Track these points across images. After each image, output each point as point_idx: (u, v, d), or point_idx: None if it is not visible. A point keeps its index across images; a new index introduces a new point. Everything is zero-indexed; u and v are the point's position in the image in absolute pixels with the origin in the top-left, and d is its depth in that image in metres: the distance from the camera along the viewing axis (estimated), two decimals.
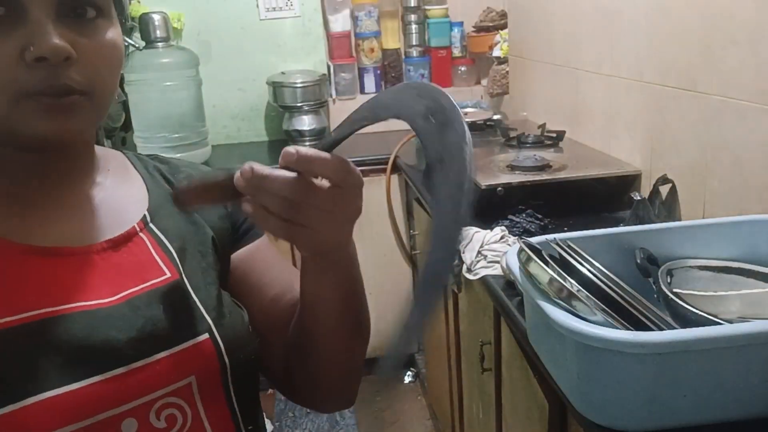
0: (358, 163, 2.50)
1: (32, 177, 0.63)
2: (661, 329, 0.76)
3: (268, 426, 2.43)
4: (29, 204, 0.63)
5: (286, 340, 0.75)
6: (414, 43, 2.94)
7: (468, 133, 0.47)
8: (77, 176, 0.66)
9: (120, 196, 0.68)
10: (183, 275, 0.66)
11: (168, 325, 0.62)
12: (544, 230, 1.41)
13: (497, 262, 1.26)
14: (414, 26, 2.91)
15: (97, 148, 0.71)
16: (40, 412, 0.54)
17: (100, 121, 0.63)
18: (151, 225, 0.68)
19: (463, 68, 2.96)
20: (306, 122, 2.72)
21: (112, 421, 0.58)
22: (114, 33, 0.62)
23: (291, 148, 0.55)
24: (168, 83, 2.45)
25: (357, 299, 0.71)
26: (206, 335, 0.64)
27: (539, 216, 1.46)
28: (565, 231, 1.28)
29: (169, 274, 0.66)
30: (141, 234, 0.67)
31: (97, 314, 0.60)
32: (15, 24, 0.55)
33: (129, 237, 0.66)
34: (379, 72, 2.93)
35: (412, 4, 2.87)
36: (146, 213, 0.69)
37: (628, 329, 0.74)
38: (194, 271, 0.68)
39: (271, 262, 0.78)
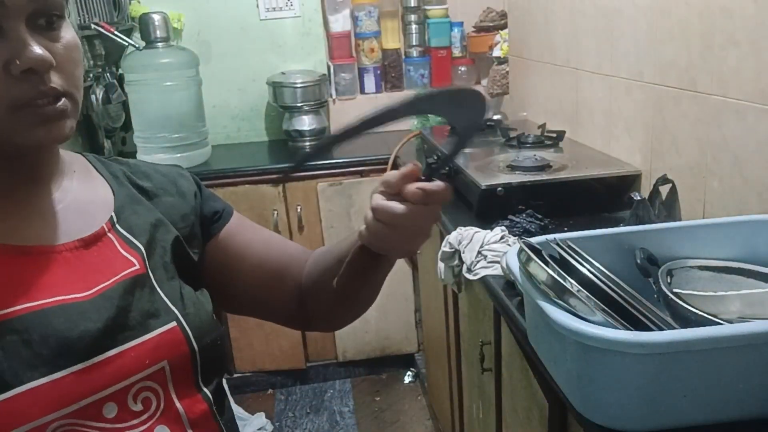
0: (358, 163, 2.52)
1: (2, 181, 0.65)
2: (661, 329, 0.76)
3: (269, 426, 2.44)
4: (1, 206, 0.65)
5: (301, 288, 0.86)
6: (414, 43, 2.94)
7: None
8: (46, 178, 0.69)
9: (86, 197, 0.72)
10: (148, 269, 0.71)
11: (139, 315, 0.67)
12: (544, 230, 1.41)
13: (497, 262, 1.26)
14: (414, 26, 2.91)
15: (61, 152, 0.74)
16: (26, 401, 0.58)
17: (78, 116, 0.67)
18: (117, 226, 0.72)
19: (463, 68, 2.96)
20: (306, 122, 2.72)
21: (94, 406, 0.62)
22: (71, 31, 0.66)
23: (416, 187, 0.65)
24: (168, 83, 2.45)
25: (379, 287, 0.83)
26: (174, 323, 0.69)
27: (539, 216, 1.46)
28: (565, 231, 1.28)
29: (137, 266, 0.70)
30: (109, 234, 0.71)
31: (75, 308, 0.63)
32: None
33: (98, 237, 0.70)
34: (379, 72, 2.93)
35: (412, 4, 2.87)
36: (113, 214, 0.72)
37: (628, 329, 0.74)
38: (157, 265, 0.72)
39: (247, 230, 0.87)
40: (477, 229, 1.39)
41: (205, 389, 0.72)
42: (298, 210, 2.48)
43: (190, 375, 0.70)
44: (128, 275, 0.69)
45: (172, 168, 0.85)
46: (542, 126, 1.96)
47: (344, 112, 2.92)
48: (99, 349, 0.63)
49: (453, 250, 1.40)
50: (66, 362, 0.61)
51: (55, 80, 0.61)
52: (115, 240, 0.71)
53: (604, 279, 0.81)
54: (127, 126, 2.63)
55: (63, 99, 0.62)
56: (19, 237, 0.65)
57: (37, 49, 0.59)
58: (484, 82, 2.94)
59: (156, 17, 2.43)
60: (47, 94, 0.60)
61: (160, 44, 2.45)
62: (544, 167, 1.61)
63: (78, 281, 0.65)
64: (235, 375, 2.65)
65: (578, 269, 0.83)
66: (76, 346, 0.61)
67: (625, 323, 0.75)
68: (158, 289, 0.70)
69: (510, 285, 1.17)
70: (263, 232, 0.89)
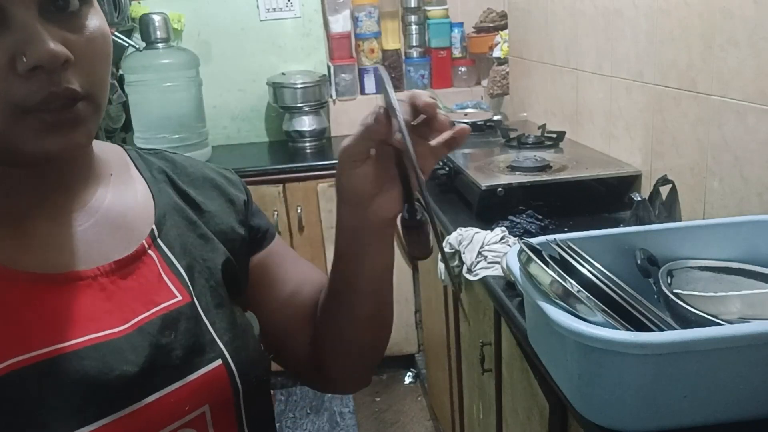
0: None
1: (26, 193, 0.57)
2: (661, 330, 0.76)
3: None
4: (25, 224, 0.57)
5: (312, 331, 0.76)
6: (414, 43, 2.94)
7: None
8: (76, 188, 0.61)
9: (124, 207, 0.63)
10: (194, 297, 0.63)
11: (180, 354, 0.59)
12: (544, 231, 1.41)
13: (497, 262, 1.26)
14: (414, 27, 2.91)
15: (97, 145, 0.64)
16: None
17: (101, 120, 0.58)
18: (158, 241, 0.63)
19: (463, 69, 2.96)
20: (306, 123, 2.72)
21: None
22: (99, 19, 0.55)
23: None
24: (168, 84, 2.45)
25: (385, 293, 0.73)
26: (219, 361, 0.61)
27: (539, 216, 1.46)
28: (565, 232, 1.28)
29: (179, 297, 0.62)
30: (149, 251, 0.62)
31: (109, 346, 0.56)
32: None
33: (137, 257, 0.61)
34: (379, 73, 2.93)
35: (413, 5, 2.88)
36: (153, 227, 0.64)
37: (628, 330, 0.74)
38: (203, 291, 0.64)
39: (286, 259, 0.78)
40: (477, 229, 1.39)
41: (249, 430, 0.65)
42: (298, 210, 2.48)
43: (233, 418, 0.62)
44: (169, 307, 0.60)
45: (219, 171, 0.77)
46: (542, 126, 1.96)
47: (345, 113, 2.92)
48: (136, 395, 0.55)
49: (453, 250, 1.40)
50: (99, 412, 0.53)
51: (72, 79, 0.51)
52: (156, 259, 0.62)
53: (604, 280, 0.81)
54: (128, 127, 2.63)
55: (80, 102, 0.52)
56: (49, 262, 0.56)
57: (49, 43, 0.49)
58: (484, 82, 2.94)
59: (156, 18, 2.44)
60: (60, 96, 0.50)
61: (160, 45, 2.45)
62: (545, 168, 1.61)
63: (113, 311, 0.57)
64: None
65: (578, 270, 0.82)
66: (109, 392, 0.54)
67: (626, 324, 0.75)
68: (204, 320, 0.62)
69: (510, 285, 1.17)
70: (301, 263, 0.80)
